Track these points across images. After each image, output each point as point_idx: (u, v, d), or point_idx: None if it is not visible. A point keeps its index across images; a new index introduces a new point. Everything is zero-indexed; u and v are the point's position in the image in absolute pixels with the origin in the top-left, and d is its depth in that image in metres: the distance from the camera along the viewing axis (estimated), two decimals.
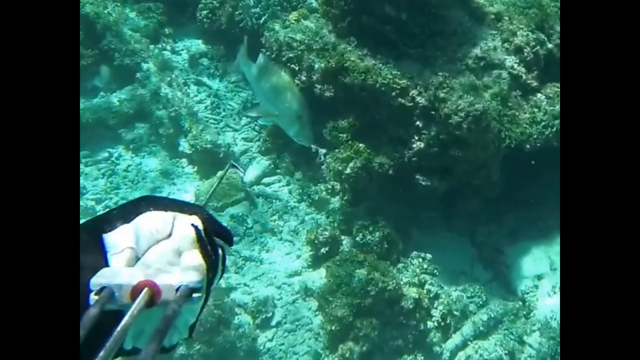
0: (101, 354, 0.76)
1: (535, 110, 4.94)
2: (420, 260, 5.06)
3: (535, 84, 5.00)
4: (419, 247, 5.21)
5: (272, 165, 5.87)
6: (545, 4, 5.25)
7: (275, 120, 5.26)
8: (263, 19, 6.02)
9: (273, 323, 5.11)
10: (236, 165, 1.53)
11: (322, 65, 5.11)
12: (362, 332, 4.74)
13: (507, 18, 5.14)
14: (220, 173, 5.52)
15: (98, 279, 0.87)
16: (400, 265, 5.07)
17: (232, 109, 6.25)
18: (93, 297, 0.86)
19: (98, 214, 1.15)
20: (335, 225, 5.34)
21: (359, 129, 5.14)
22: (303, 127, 5.11)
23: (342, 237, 5.31)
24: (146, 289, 0.87)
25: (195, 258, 0.95)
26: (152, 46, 6.45)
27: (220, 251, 1.04)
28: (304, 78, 5.39)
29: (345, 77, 4.98)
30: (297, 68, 5.50)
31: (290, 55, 5.54)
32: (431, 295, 4.97)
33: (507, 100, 4.89)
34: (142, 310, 0.85)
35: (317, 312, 5.05)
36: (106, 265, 0.93)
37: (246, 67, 5.39)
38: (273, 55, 5.64)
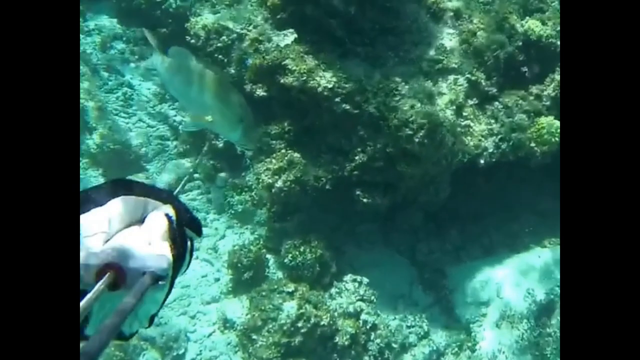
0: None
1: (492, 121, 4.38)
2: (356, 285, 4.42)
3: (493, 91, 4.44)
4: (353, 266, 4.60)
5: (191, 170, 5.10)
6: (506, 1, 4.65)
7: (207, 125, 4.49)
8: (189, 1, 5.24)
9: None
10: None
11: (257, 61, 4.41)
12: None
13: (466, 16, 4.55)
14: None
15: None
16: (333, 291, 4.43)
17: (147, 100, 5.44)
18: None
19: None
20: (261, 242, 4.64)
21: (294, 135, 4.47)
22: (248, 131, 4.36)
23: (269, 257, 4.61)
24: (110, 272, 0.85)
25: (164, 248, 0.91)
26: None
27: (189, 242, 1.02)
28: (232, 71, 4.70)
29: (282, 76, 4.29)
30: (225, 60, 4.80)
31: (219, 44, 4.84)
32: (368, 327, 4.34)
33: (462, 109, 4.30)
34: (104, 292, 0.83)
35: (237, 348, 4.33)
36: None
37: (162, 65, 4.63)
38: (199, 44, 4.91)
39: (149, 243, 0.92)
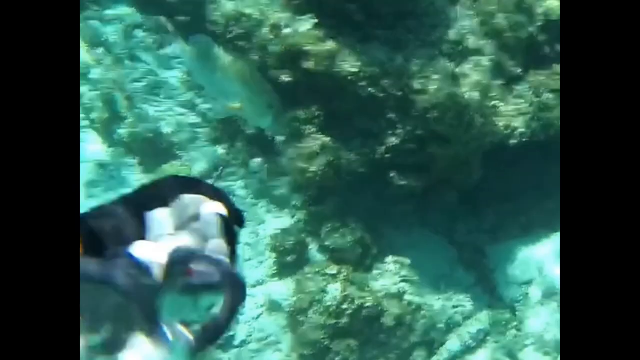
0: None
1: (520, 101, 4.42)
2: (398, 266, 4.57)
3: (518, 71, 4.47)
4: (393, 247, 4.71)
5: (225, 156, 5.22)
6: None
7: (236, 112, 4.56)
8: None
9: (236, 342, 4.58)
10: None
11: (279, 47, 4.45)
12: (339, 356, 4.29)
13: None
14: None
15: (139, 251, 0.91)
16: (375, 272, 4.59)
17: (173, 88, 5.51)
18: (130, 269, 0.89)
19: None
20: (301, 226, 4.79)
21: (323, 120, 4.55)
22: (277, 117, 4.45)
23: (309, 240, 4.77)
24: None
25: (222, 246, 0.98)
26: None
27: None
28: (255, 58, 4.73)
29: (306, 61, 4.35)
30: (247, 47, 4.83)
31: (239, 31, 4.85)
32: (413, 307, 4.50)
33: (489, 90, 4.35)
34: (173, 291, 0.90)
35: (286, 329, 4.55)
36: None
37: (186, 54, 4.67)
38: (219, 31, 4.93)
39: (206, 241, 0.99)
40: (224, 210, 1.02)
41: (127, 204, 1.00)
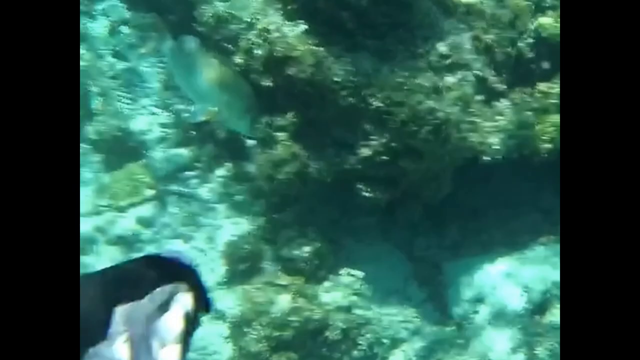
0: None
1: (499, 117, 4.36)
2: (352, 279, 4.39)
3: (502, 88, 4.43)
4: (350, 260, 4.53)
5: (192, 158, 5.05)
6: None
7: (212, 114, 4.46)
8: None
9: None
10: None
11: (266, 52, 4.35)
12: None
13: (478, 12, 4.53)
14: None
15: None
16: (327, 285, 4.39)
17: (151, 87, 5.40)
18: None
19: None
20: (258, 234, 4.58)
21: (298, 127, 4.41)
22: (255, 121, 4.36)
23: (266, 249, 4.55)
24: None
25: (174, 353, 0.94)
26: None
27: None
28: (240, 61, 4.61)
29: (289, 67, 4.25)
30: (233, 49, 4.74)
31: (227, 33, 4.78)
32: (360, 322, 4.30)
33: (470, 105, 4.30)
34: None
35: (228, 340, 4.27)
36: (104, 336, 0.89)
37: (170, 53, 4.60)
38: (207, 32, 4.86)
39: (163, 345, 0.94)
40: (190, 304, 0.98)
41: (98, 290, 0.92)
